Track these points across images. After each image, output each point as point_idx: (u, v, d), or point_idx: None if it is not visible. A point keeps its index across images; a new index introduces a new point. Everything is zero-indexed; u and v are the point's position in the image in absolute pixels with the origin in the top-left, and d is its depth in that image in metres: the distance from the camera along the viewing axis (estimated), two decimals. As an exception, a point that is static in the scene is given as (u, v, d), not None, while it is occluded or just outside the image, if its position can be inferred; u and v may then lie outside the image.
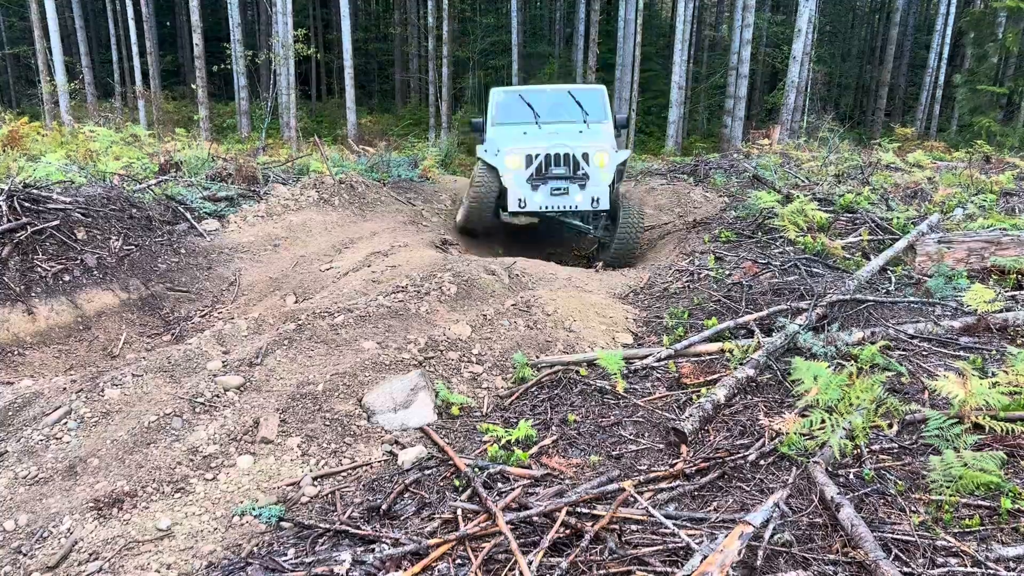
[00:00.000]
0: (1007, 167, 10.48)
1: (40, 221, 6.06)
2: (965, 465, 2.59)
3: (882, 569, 2.11)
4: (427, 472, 3.09)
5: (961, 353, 3.96)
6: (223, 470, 3.08)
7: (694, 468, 2.90)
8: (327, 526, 2.70)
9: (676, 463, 3.03)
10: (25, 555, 2.60)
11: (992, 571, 2.17)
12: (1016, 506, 2.47)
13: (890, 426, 3.10)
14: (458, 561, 2.42)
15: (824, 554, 2.32)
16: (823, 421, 3.03)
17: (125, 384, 3.61)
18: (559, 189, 7.91)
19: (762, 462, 2.92)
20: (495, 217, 8.67)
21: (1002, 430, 2.90)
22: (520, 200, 7.96)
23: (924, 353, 3.98)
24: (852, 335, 4.04)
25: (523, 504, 2.73)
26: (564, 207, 8.03)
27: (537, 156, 7.91)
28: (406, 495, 2.94)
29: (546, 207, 8.03)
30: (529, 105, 8.93)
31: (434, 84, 24.37)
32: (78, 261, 5.99)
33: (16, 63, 28.74)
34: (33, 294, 5.52)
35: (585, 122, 8.70)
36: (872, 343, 3.92)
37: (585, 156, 7.91)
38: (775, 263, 5.84)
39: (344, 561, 2.41)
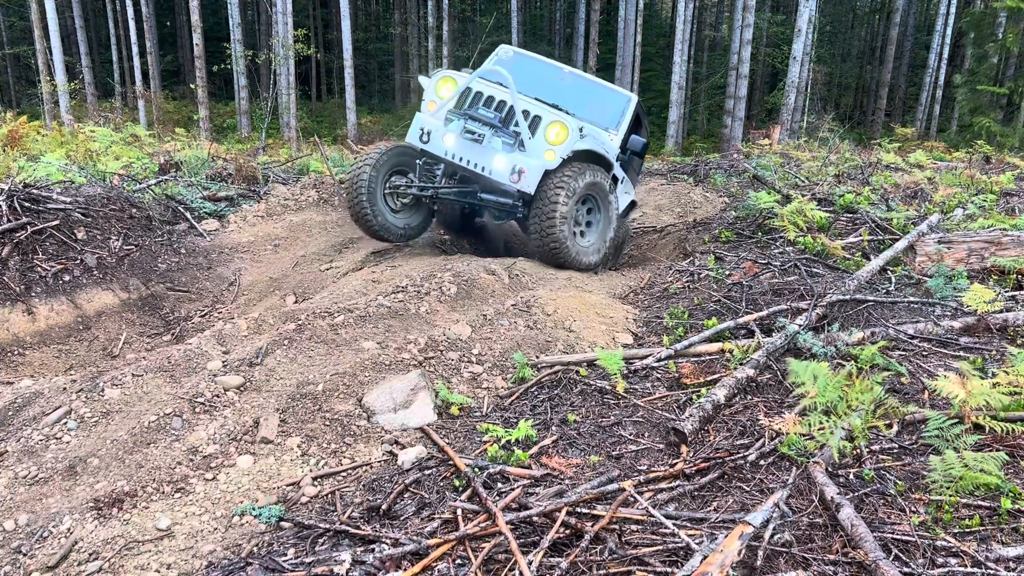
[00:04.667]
0: (1007, 167, 10.49)
1: (40, 221, 6.06)
2: (965, 465, 2.58)
3: (882, 569, 2.11)
4: (427, 472, 3.09)
5: (961, 353, 3.96)
6: (223, 470, 3.08)
7: (694, 468, 2.90)
8: (327, 526, 2.70)
9: (676, 463, 3.03)
10: (25, 555, 2.60)
11: (992, 571, 2.17)
12: (1016, 506, 2.47)
13: (890, 426, 3.10)
14: (458, 561, 2.42)
15: (824, 554, 2.32)
16: (822, 423, 3.03)
17: (125, 384, 3.61)
18: (473, 134, 5.89)
19: (762, 462, 2.92)
20: (391, 213, 6.51)
21: (1002, 430, 2.90)
22: (423, 132, 6.07)
23: (924, 353, 3.98)
24: (852, 335, 4.04)
25: (523, 504, 2.73)
26: (474, 165, 5.94)
27: (478, 94, 6.12)
28: (406, 495, 2.93)
29: (452, 155, 5.99)
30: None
31: (434, 84, 24.30)
32: (78, 261, 5.99)
33: (16, 63, 28.73)
34: (33, 294, 5.52)
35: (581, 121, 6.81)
36: (872, 343, 3.92)
37: (535, 118, 5.97)
38: (775, 263, 5.84)
39: (344, 561, 2.41)
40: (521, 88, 6.77)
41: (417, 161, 6.43)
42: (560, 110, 6.54)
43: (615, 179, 7.21)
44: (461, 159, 5.98)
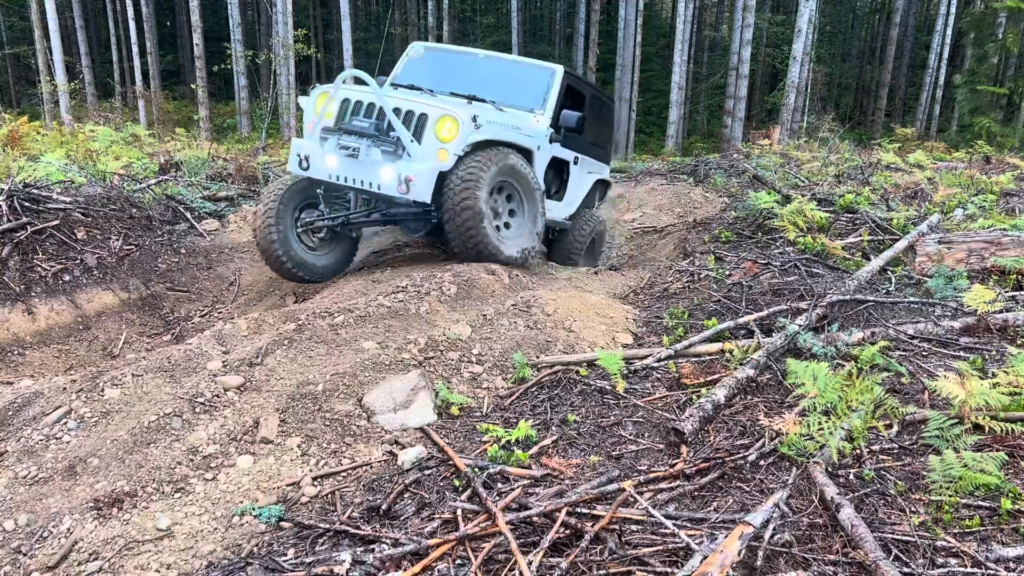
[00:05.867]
0: (1007, 167, 10.49)
1: (40, 221, 6.06)
2: (965, 466, 2.59)
3: (882, 569, 2.11)
4: (427, 472, 3.09)
5: (961, 353, 3.96)
6: (223, 470, 3.08)
7: (694, 468, 2.90)
8: (327, 526, 2.70)
9: (676, 463, 3.03)
10: (25, 555, 2.60)
11: (992, 571, 2.17)
12: (1016, 507, 2.47)
13: (889, 427, 3.10)
14: (458, 561, 2.42)
15: (824, 554, 2.32)
16: (821, 423, 3.03)
17: (125, 384, 3.60)
18: (348, 149, 5.25)
19: (762, 462, 2.92)
20: (308, 252, 5.94)
21: (1002, 430, 2.90)
22: (301, 158, 5.47)
23: (924, 353, 3.98)
24: (852, 335, 4.04)
25: (523, 504, 2.73)
26: (360, 182, 5.31)
27: (357, 104, 5.48)
28: (406, 495, 2.93)
29: (336, 176, 5.37)
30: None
31: (434, 84, 24.32)
32: (78, 261, 5.99)
33: (16, 63, 28.74)
34: (33, 294, 5.52)
35: (501, 108, 6.23)
36: (872, 343, 3.92)
37: (421, 117, 5.28)
38: (775, 263, 5.84)
39: (344, 561, 2.41)
40: (437, 84, 6.33)
41: (318, 191, 5.89)
42: (478, 100, 6.14)
43: (562, 163, 6.73)
44: (346, 179, 5.35)
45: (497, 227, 5.70)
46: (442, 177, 5.29)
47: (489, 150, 5.49)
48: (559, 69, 6.61)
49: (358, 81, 5.35)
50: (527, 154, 6.05)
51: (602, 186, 7.85)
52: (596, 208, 7.92)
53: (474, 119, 5.35)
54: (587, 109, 7.05)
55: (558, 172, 6.94)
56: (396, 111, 5.26)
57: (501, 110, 6.13)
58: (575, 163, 6.96)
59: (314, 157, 5.40)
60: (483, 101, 6.20)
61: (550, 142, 6.38)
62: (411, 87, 6.44)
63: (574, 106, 6.86)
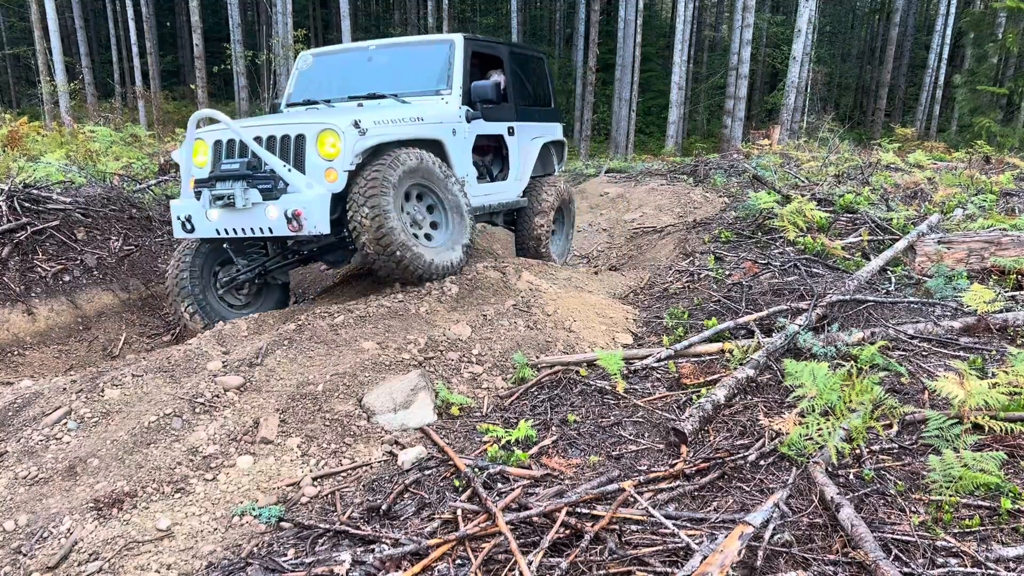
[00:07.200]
0: (1007, 167, 10.49)
1: (40, 221, 6.06)
2: (965, 465, 2.59)
3: (882, 569, 2.12)
4: (427, 472, 3.09)
5: (961, 353, 3.96)
6: (223, 470, 3.08)
7: (694, 468, 2.90)
8: (327, 526, 2.70)
9: (676, 463, 3.03)
10: (25, 555, 2.60)
11: (992, 571, 2.17)
12: (1016, 506, 2.47)
13: (889, 427, 3.11)
14: (458, 561, 2.42)
15: (824, 554, 2.32)
16: (821, 424, 3.03)
17: (125, 384, 3.61)
18: (223, 198, 4.61)
19: (762, 462, 2.92)
20: (234, 311, 5.36)
21: (1002, 430, 2.90)
22: (183, 221, 4.85)
23: (924, 353, 3.98)
24: (852, 335, 4.04)
25: (523, 504, 2.73)
26: (251, 230, 4.67)
27: (230, 143, 4.84)
28: (406, 495, 2.94)
29: (224, 229, 4.74)
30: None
31: (434, 84, 24.30)
32: (78, 261, 5.99)
33: (16, 63, 28.75)
34: (33, 294, 5.52)
35: (403, 100, 5.59)
36: (872, 343, 3.92)
37: (299, 139, 4.66)
38: (775, 263, 5.84)
39: (344, 561, 2.41)
40: (334, 91, 5.88)
41: (224, 245, 5.30)
42: (377, 97, 5.68)
43: (495, 139, 6.19)
44: (234, 229, 4.71)
45: (416, 236, 5.00)
46: (340, 199, 4.69)
47: (386, 156, 4.77)
48: (458, 38, 5.83)
49: (214, 121, 4.77)
50: (437, 145, 5.34)
51: (556, 148, 7.20)
52: (556, 173, 7.32)
53: (356, 125, 4.62)
54: (508, 71, 6.41)
55: (495, 150, 6.42)
56: (271, 139, 4.68)
57: (404, 102, 5.52)
58: (511, 134, 6.28)
59: (196, 215, 4.80)
60: (383, 97, 5.66)
61: (468, 121, 5.66)
62: (307, 103, 5.96)
63: (493, 72, 6.33)
